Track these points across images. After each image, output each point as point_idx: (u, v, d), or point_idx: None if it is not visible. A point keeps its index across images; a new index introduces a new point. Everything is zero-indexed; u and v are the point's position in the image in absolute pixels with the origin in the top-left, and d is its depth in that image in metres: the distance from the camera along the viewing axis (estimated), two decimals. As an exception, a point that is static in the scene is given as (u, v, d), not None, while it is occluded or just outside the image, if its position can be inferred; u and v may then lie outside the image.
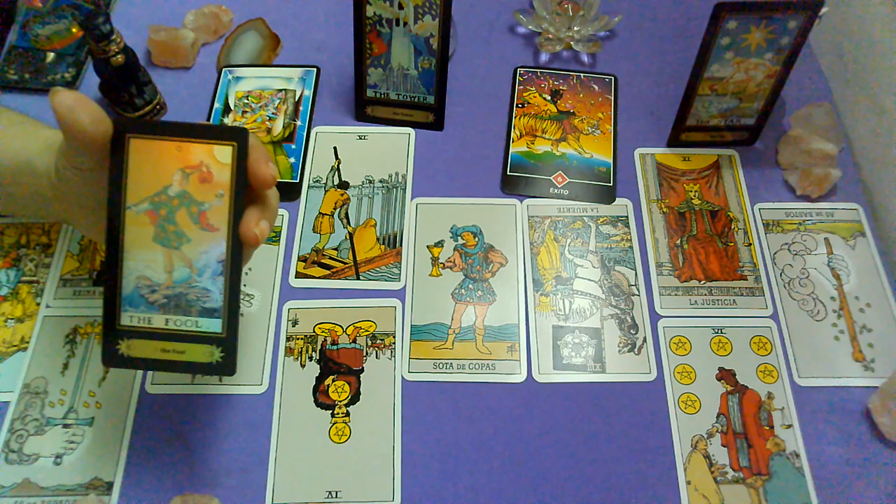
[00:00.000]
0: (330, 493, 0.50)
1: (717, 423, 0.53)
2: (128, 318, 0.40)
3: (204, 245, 0.40)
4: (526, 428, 0.52)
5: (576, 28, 0.70)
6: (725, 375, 0.54)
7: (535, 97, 0.68)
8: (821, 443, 0.52)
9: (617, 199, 0.62)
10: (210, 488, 0.50)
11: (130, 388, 0.54)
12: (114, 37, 0.59)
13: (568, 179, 0.63)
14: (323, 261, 0.59)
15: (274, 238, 0.60)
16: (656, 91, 0.69)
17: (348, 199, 0.62)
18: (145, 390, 0.53)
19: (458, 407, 0.53)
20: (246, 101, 0.67)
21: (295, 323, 0.56)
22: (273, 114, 0.66)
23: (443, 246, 0.60)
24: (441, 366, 0.55)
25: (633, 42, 0.73)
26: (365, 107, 0.66)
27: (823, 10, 0.55)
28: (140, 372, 0.54)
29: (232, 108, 0.67)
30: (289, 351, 0.55)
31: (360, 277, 0.58)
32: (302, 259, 0.59)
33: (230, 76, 0.68)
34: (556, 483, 0.50)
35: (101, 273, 0.58)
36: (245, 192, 0.39)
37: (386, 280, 0.58)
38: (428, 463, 0.51)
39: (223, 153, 0.39)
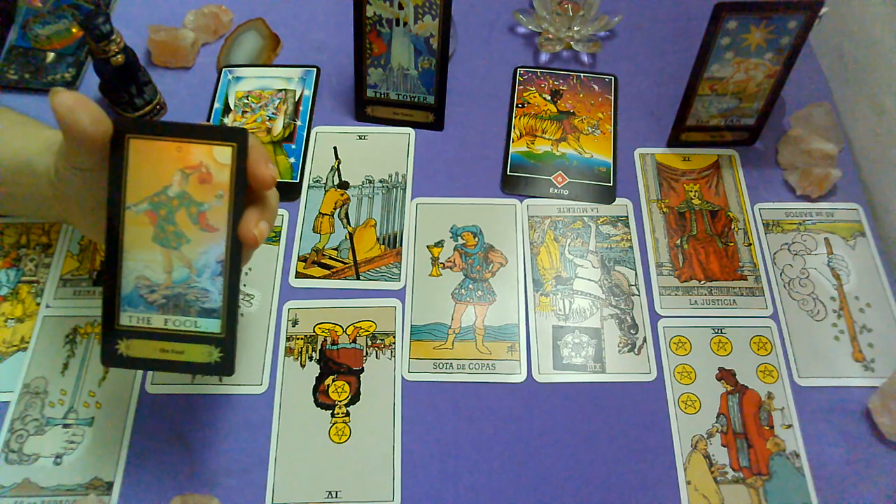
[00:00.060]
0: (330, 493, 0.50)
1: (717, 423, 0.53)
2: (127, 318, 0.40)
3: (203, 245, 0.40)
4: (526, 428, 0.52)
5: (576, 28, 0.70)
6: (725, 375, 0.54)
7: (535, 97, 0.68)
8: (821, 443, 0.52)
9: (617, 199, 0.62)
10: (210, 488, 0.50)
11: (130, 388, 0.54)
12: (114, 37, 0.59)
13: (568, 179, 0.63)
14: (323, 261, 0.59)
15: (274, 238, 0.60)
16: (656, 91, 0.69)
17: (348, 199, 0.62)
18: (145, 390, 0.53)
19: (458, 407, 0.53)
20: (246, 101, 0.67)
21: (295, 323, 0.56)
22: (273, 114, 0.66)
23: (443, 246, 0.60)
24: (441, 366, 0.55)
25: (633, 42, 0.73)
26: (365, 107, 0.66)
27: (823, 10, 0.55)
28: (140, 372, 0.54)
29: (232, 108, 0.67)
30: (289, 351, 0.55)
31: (360, 277, 0.58)
32: (302, 259, 0.59)
33: (230, 76, 0.68)
34: (556, 483, 0.50)
35: (101, 273, 0.58)
36: (244, 193, 0.39)
37: (386, 280, 0.58)
38: (428, 463, 0.51)
39: (223, 154, 0.39)
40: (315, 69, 0.69)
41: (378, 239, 0.60)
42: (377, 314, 0.57)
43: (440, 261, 0.59)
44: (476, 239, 0.60)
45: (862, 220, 0.61)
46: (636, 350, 0.55)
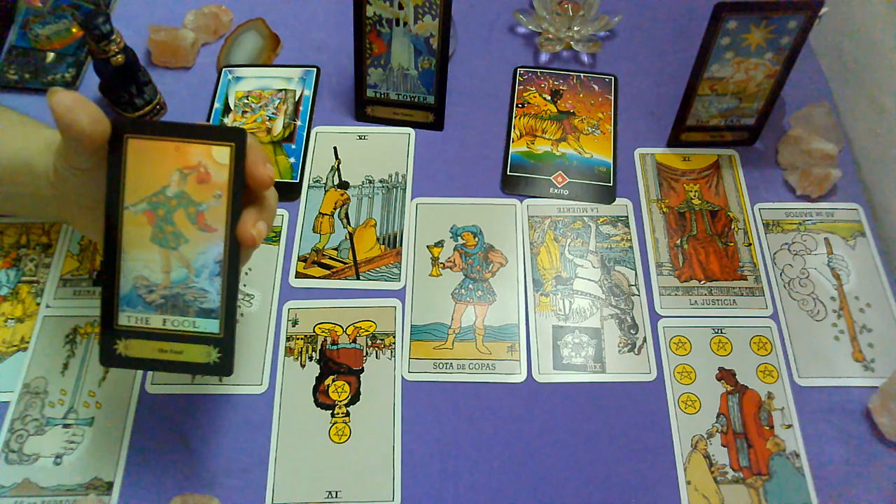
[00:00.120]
0: (330, 493, 0.50)
1: (717, 423, 0.53)
2: (125, 319, 0.40)
3: (202, 245, 0.40)
4: (526, 428, 0.52)
5: (576, 28, 0.70)
6: (725, 375, 0.54)
7: (535, 97, 0.68)
8: (821, 443, 0.52)
9: (617, 199, 0.62)
10: (210, 488, 0.50)
11: (130, 388, 0.54)
12: (114, 37, 0.59)
13: (568, 179, 0.63)
14: (323, 261, 0.59)
15: (274, 238, 0.60)
16: (656, 91, 0.69)
17: (348, 199, 0.62)
18: (145, 390, 0.53)
19: (458, 407, 0.53)
20: (246, 101, 0.67)
21: (295, 323, 0.56)
22: (273, 114, 0.66)
23: (443, 246, 0.60)
24: (441, 366, 0.55)
25: (633, 42, 0.73)
26: (365, 107, 0.66)
27: (823, 10, 0.55)
28: (140, 372, 0.54)
29: (232, 108, 0.67)
30: (289, 351, 0.55)
31: (360, 277, 0.58)
32: (302, 259, 0.59)
33: (230, 76, 0.68)
34: (556, 483, 0.50)
35: (100, 273, 0.58)
36: (243, 193, 0.39)
37: (386, 280, 0.58)
38: (428, 463, 0.51)
39: (221, 154, 0.39)
40: (315, 69, 0.69)
41: (378, 239, 0.60)
42: (377, 314, 0.57)
43: (440, 261, 0.59)
44: (476, 239, 0.60)
45: (862, 220, 0.61)
46: (636, 350, 0.55)
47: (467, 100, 0.68)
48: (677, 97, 0.62)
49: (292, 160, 0.64)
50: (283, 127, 0.66)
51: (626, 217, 0.61)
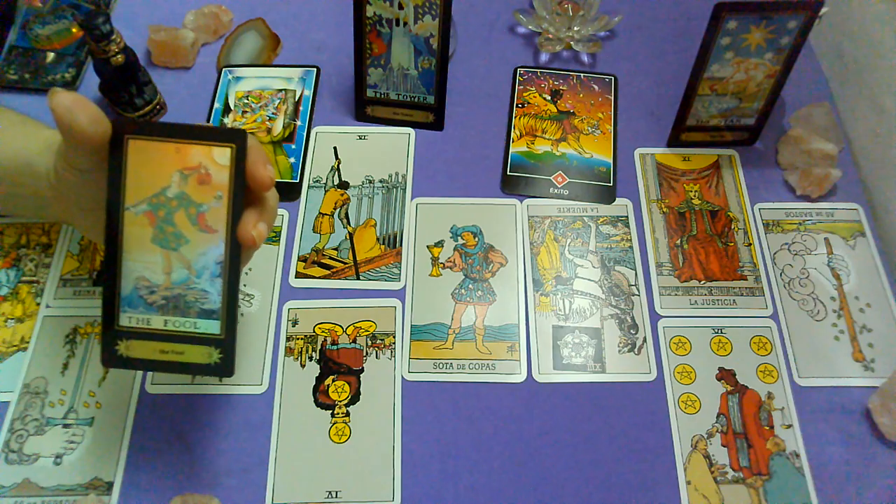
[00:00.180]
0: (330, 493, 0.50)
1: (717, 423, 0.53)
2: (127, 319, 0.40)
3: (202, 246, 0.40)
4: (526, 428, 0.52)
5: (576, 28, 0.70)
6: (725, 375, 0.54)
7: (535, 97, 0.68)
8: (821, 443, 0.52)
9: (617, 199, 0.62)
10: (210, 488, 0.50)
11: (130, 388, 0.54)
12: (114, 37, 0.59)
13: (568, 179, 0.63)
14: (323, 261, 0.59)
15: (274, 238, 0.60)
16: (656, 91, 0.69)
17: (348, 199, 0.62)
18: (145, 390, 0.53)
19: (458, 407, 0.53)
20: (246, 101, 0.67)
21: (295, 323, 0.56)
22: (273, 114, 0.66)
23: (443, 246, 0.60)
24: (441, 366, 0.55)
25: (633, 42, 0.73)
26: (365, 107, 0.66)
27: (823, 10, 0.55)
28: (140, 372, 0.54)
29: (232, 108, 0.67)
30: (289, 351, 0.55)
31: (360, 277, 0.58)
32: (302, 259, 0.59)
33: (230, 76, 0.68)
34: (556, 483, 0.50)
35: (100, 273, 0.58)
36: (243, 194, 0.39)
37: (386, 280, 0.58)
38: (428, 463, 0.51)
39: (222, 155, 0.39)
40: (315, 69, 0.69)
41: (378, 239, 0.60)
42: (377, 314, 0.57)
43: (440, 261, 0.59)
44: (476, 239, 0.60)
45: (862, 220, 0.61)
46: (636, 350, 0.55)
47: (467, 100, 0.68)
48: (677, 97, 0.62)
49: (292, 160, 0.64)
50: (283, 127, 0.66)
51: (626, 217, 0.61)
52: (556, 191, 0.62)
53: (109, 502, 0.50)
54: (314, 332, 0.56)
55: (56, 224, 0.61)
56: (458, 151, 0.65)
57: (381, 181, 0.63)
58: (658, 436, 0.52)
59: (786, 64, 0.58)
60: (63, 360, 0.54)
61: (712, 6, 0.54)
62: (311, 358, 0.55)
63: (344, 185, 0.63)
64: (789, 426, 0.52)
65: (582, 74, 0.70)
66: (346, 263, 0.59)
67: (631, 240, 0.60)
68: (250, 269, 0.59)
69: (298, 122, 0.66)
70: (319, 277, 0.58)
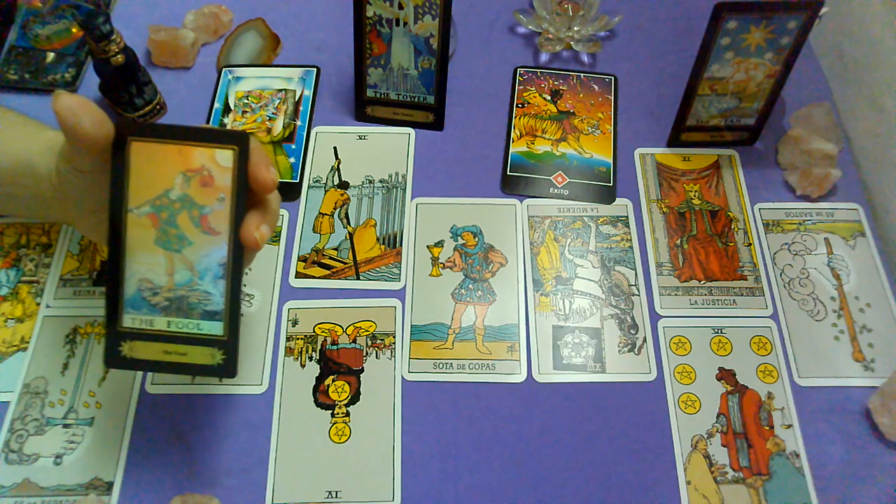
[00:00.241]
0: (330, 493, 0.50)
1: (717, 423, 0.53)
2: (130, 320, 0.40)
3: (205, 248, 0.40)
4: (526, 428, 0.52)
5: (576, 28, 0.70)
6: (725, 375, 0.54)
7: (535, 97, 0.68)
8: (821, 443, 0.52)
9: (617, 199, 0.62)
10: (210, 488, 0.50)
11: (130, 388, 0.54)
12: (114, 37, 0.59)
13: (568, 179, 0.63)
14: (323, 261, 0.59)
15: (274, 238, 0.60)
16: (656, 91, 0.69)
17: (348, 199, 0.62)
18: (145, 390, 0.53)
19: (458, 407, 0.53)
20: (246, 101, 0.67)
21: (295, 323, 0.56)
22: (273, 114, 0.66)
23: (443, 246, 0.60)
24: (441, 366, 0.55)
25: (633, 42, 0.73)
26: (365, 107, 0.66)
27: (823, 10, 0.55)
28: (140, 372, 0.54)
29: (232, 108, 0.67)
30: (289, 351, 0.55)
31: (360, 277, 0.58)
32: (302, 259, 0.59)
33: (230, 76, 0.68)
34: (556, 483, 0.51)
35: (101, 273, 0.58)
36: (246, 196, 0.40)
37: (386, 280, 0.58)
38: (428, 463, 0.51)
39: (224, 157, 0.39)
40: (315, 69, 0.69)
41: (378, 239, 0.60)
42: (377, 314, 0.57)
43: (440, 261, 0.59)
44: (476, 239, 0.60)
45: (862, 220, 0.61)
46: (636, 350, 0.55)
47: (467, 100, 0.68)
48: (677, 97, 0.62)
49: (292, 160, 0.64)
50: (283, 127, 0.66)
51: (626, 217, 0.61)
52: (556, 191, 0.63)
53: (109, 502, 0.50)
54: (314, 332, 0.56)
55: (56, 224, 0.61)
56: (458, 151, 0.65)
57: (381, 181, 0.63)
58: (658, 436, 0.52)
59: (786, 64, 0.58)
60: (63, 360, 0.54)
61: (712, 6, 0.54)
62: (311, 358, 0.55)
63: (344, 185, 0.63)
64: (789, 426, 0.52)
65: (582, 74, 0.70)
66: (346, 263, 0.59)
67: (631, 240, 0.60)
68: (250, 269, 0.59)
69: (298, 122, 0.66)
70: (319, 277, 0.58)
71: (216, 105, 0.67)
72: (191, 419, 0.52)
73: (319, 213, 0.62)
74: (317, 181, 0.63)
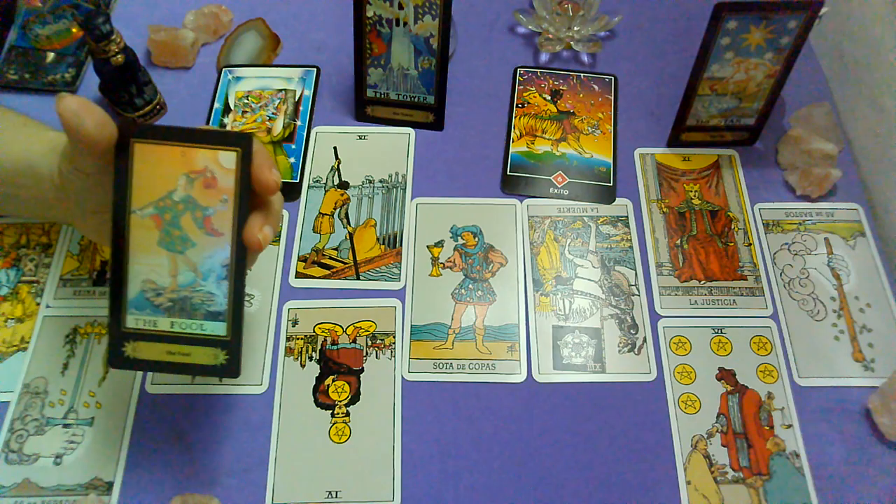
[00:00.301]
0: (330, 493, 0.50)
1: (717, 423, 0.53)
2: (133, 321, 0.41)
3: (208, 250, 0.40)
4: (526, 428, 0.52)
5: (576, 28, 0.70)
6: (725, 375, 0.54)
7: (535, 97, 0.68)
8: (821, 443, 0.52)
9: (617, 199, 0.62)
10: (210, 488, 0.50)
11: (130, 388, 0.54)
12: (114, 37, 0.59)
13: (568, 179, 0.63)
14: (323, 261, 0.59)
15: (274, 238, 0.60)
16: (656, 91, 0.69)
17: (348, 199, 0.62)
18: (145, 390, 0.53)
19: (458, 407, 0.53)
20: (246, 101, 0.67)
21: (295, 323, 0.56)
22: (273, 114, 0.66)
23: (443, 246, 0.60)
24: (441, 366, 0.55)
25: (633, 42, 0.73)
26: (365, 107, 0.66)
27: (823, 10, 0.55)
28: (140, 372, 0.54)
29: (232, 108, 0.67)
30: (289, 351, 0.55)
31: (360, 277, 0.58)
32: (302, 259, 0.59)
33: (230, 76, 0.68)
34: (556, 483, 0.51)
35: (101, 273, 0.58)
36: (249, 198, 0.40)
37: (386, 280, 0.58)
38: (428, 463, 0.51)
39: (227, 159, 0.39)
40: (315, 69, 0.69)
41: (378, 239, 0.60)
42: (377, 314, 0.57)
43: (440, 261, 0.59)
44: (476, 239, 0.60)
45: (862, 220, 0.61)
46: (636, 350, 0.55)
47: (467, 100, 0.68)
48: (677, 97, 0.62)
49: (292, 160, 0.64)
50: (283, 127, 0.66)
51: (626, 217, 0.61)
52: (556, 191, 0.63)
53: (109, 502, 0.50)
54: (314, 332, 0.56)
55: (56, 224, 0.61)
56: (458, 151, 0.65)
57: (381, 181, 0.63)
58: (658, 436, 0.52)
59: (786, 64, 0.58)
60: (63, 360, 0.54)
61: (712, 6, 0.54)
62: (311, 358, 0.55)
63: (344, 185, 0.63)
64: (789, 426, 0.52)
65: (582, 74, 0.70)
66: (346, 263, 0.59)
67: (631, 240, 0.60)
68: (250, 269, 0.58)
69: (298, 122, 0.66)
70: (319, 277, 0.58)
71: (216, 105, 0.67)
72: (191, 419, 0.53)
73: (319, 213, 0.62)
74: (317, 181, 0.63)
